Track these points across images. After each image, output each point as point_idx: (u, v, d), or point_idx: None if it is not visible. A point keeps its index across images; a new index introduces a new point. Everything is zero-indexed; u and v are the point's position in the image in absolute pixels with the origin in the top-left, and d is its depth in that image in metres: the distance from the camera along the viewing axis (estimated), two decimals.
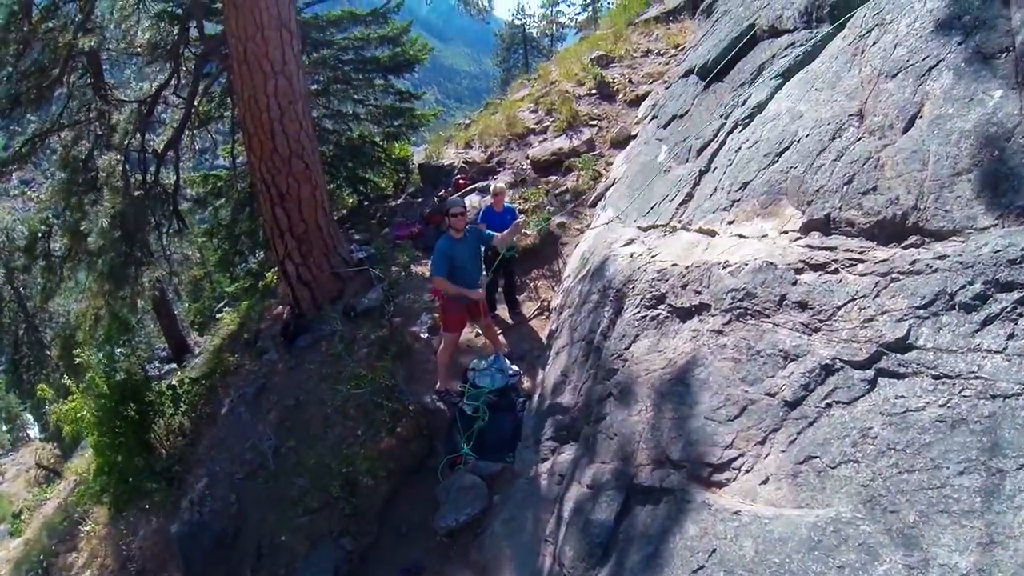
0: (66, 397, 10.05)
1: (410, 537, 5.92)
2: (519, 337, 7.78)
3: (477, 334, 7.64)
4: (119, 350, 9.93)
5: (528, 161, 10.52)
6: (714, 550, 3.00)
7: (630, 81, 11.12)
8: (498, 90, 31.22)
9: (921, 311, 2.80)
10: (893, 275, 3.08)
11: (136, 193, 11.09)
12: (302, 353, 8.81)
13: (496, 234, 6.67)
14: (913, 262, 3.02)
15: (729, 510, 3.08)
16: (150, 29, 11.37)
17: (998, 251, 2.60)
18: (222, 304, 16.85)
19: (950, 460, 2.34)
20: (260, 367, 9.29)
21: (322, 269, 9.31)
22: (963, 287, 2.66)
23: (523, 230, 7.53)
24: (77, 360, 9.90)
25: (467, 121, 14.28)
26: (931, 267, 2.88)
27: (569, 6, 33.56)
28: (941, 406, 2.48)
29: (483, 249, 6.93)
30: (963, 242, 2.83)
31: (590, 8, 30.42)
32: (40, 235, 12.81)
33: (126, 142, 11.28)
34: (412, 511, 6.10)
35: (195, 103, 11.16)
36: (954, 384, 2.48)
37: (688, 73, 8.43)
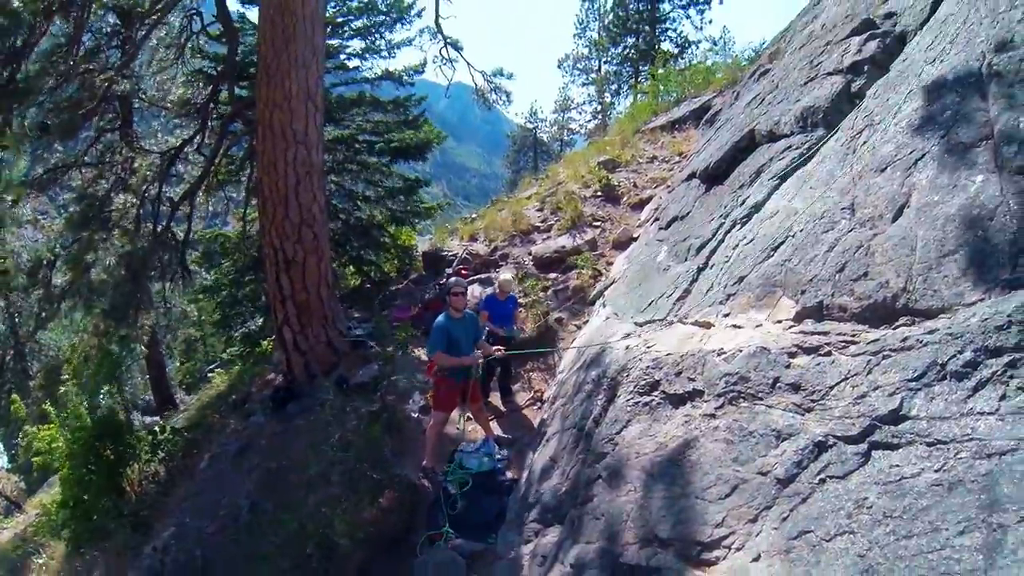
0: (43, 423, 9.94)
1: None
2: (510, 424, 7.71)
3: (468, 419, 7.55)
4: (105, 387, 9.89)
5: (530, 257, 10.76)
6: None
7: (635, 185, 11.53)
8: (507, 190, 32.37)
9: (913, 383, 2.83)
10: (884, 352, 3.13)
11: (148, 238, 11.34)
12: (290, 420, 8.72)
13: (483, 341, 7.08)
14: (904, 339, 3.07)
15: None
16: (184, 85, 12.11)
17: (985, 319, 2.67)
18: (214, 365, 16.83)
19: (949, 521, 2.30)
20: (246, 428, 9.21)
21: (319, 339, 9.36)
22: (953, 356, 2.71)
23: (497, 352, 7.47)
24: (62, 389, 9.90)
25: (473, 216, 14.72)
26: (922, 341, 2.94)
27: (580, 113, 35.31)
28: (937, 471, 2.46)
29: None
30: (951, 317, 2.89)
31: (600, 116, 31.97)
32: (45, 262, 12.94)
33: (144, 188, 11.66)
34: None
35: (216, 160, 11.59)
36: (949, 448, 2.48)
37: (691, 176, 8.82)
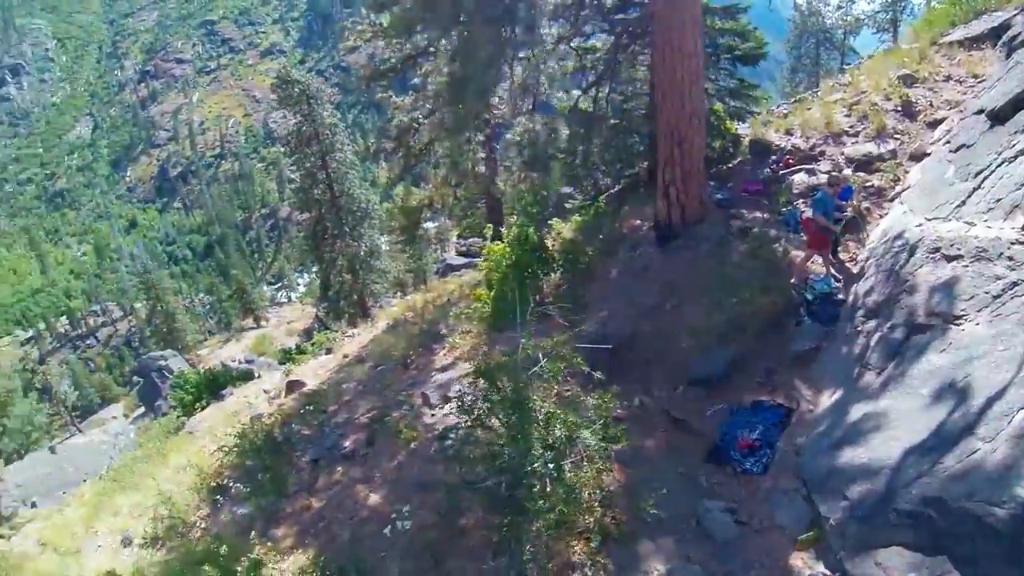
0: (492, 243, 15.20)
1: (769, 355, 11.46)
2: (838, 270, 12.38)
3: (812, 262, 12.63)
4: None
5: (843, 156, 14.61)
6: (951, 341, 8.24)
7: (931, 104, 14.58)
8: (787, 76, 33.96)
9: None
10: None
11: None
12: (674, 252, 13.72)
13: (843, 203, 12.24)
14: None
15: (961, 331, 8.29)
16: None
17: None
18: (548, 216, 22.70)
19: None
20: (639, 255, 14.34)
21: (695, 198, 14.19)
22: None
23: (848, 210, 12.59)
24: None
25: (784, 111, 18.89)
26: None
27: (869, 3, 34.58)
28: None
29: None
30: None
31: (891, 10, 31.78)
32: (409, 131, 19.86)
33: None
34: (770, 342, 11.61)
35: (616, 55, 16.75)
36: None
37: (980, 111, 11.93)
